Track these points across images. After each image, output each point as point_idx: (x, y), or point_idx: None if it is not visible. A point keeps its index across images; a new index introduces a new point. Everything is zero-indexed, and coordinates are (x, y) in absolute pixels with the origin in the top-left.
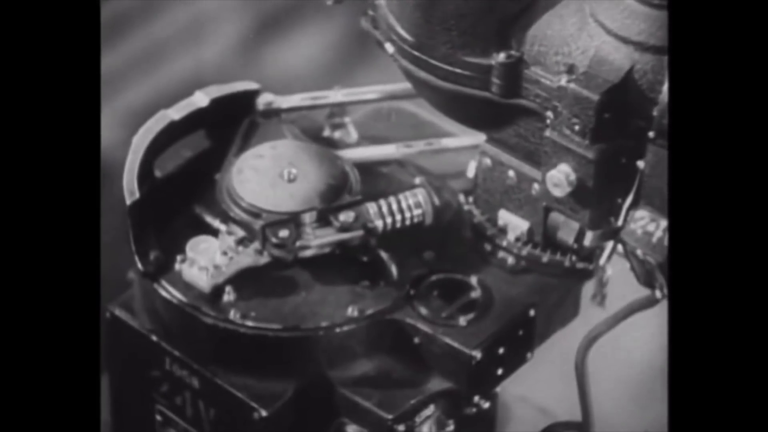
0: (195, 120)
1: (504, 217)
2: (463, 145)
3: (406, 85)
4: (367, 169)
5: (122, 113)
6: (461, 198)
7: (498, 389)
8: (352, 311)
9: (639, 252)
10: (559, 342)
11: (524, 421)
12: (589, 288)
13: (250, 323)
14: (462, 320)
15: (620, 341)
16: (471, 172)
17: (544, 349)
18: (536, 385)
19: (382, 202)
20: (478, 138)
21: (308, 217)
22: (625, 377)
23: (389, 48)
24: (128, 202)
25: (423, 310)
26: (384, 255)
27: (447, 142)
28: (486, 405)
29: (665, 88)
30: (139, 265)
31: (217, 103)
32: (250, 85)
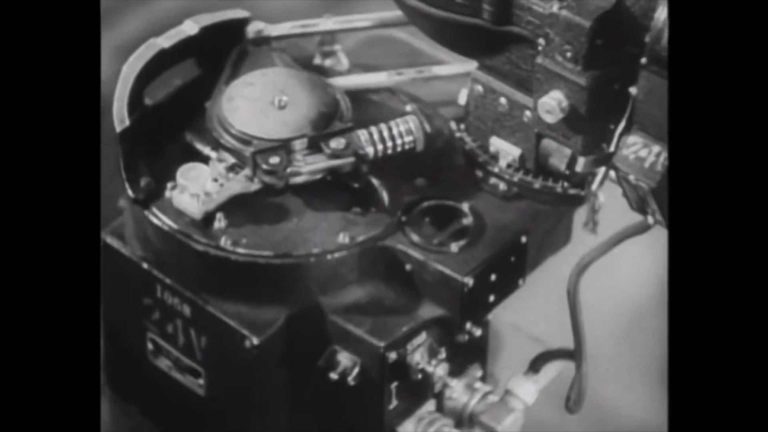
0: (185, 48)
1: (496, 143)
2: (455, 73)
3: (397, 13)
4: (358, 96)
5: (116, 46)
6: (453, 125)
7: (490, 317)
8: (343, 238)
9: (631, 177)
10: (551, 269)
11: (516, 348)
12: (581, 214)
13: (241, 250)
14: (454, 247)
15: (613, 274)
16: (462, 100)
17: (536, 276)
18: (528, 313)
19: (373, 129)
20: (470, 65)
21: (299, 144)
22: (618, 310)
23: None
24: (118, 129)
25: (414, 237)
26: (375, 182)
27: (438, 70)
28: (478, 332)
29: (658, 14)
30: (130, 192)
31: (206, 31)
32: (240, 13)
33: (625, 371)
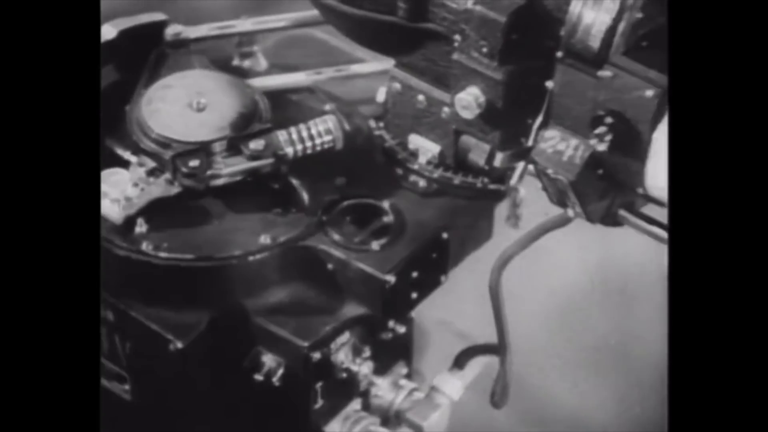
0: (104, 53)
1: (415, 140)
2: (373, 71)
3: (314, 13)
4: (277, 97)
5: None
6: (372, 123)
7: (413, 314)
8: (264, 239)
9: (550, 171)
10: (474, 264)
11: (442, 344)
12: (503, 209)
13: (162, 254)
14: (375, 245)
15: (545, 266)
16: (381, 97)
17: (459, 271)
18: (453, 309)
19: (293, 129)
20: (388, 63)
21: (219, 146)
22: (550, 302)
23: None
24: None
25: (336, 236)
26: (295, 182)
27: (357, 68)
28: (402, 330)
29: (572, 7)
30: None
31: (125, 35)
32: (158, 16)
33: (558, 361)
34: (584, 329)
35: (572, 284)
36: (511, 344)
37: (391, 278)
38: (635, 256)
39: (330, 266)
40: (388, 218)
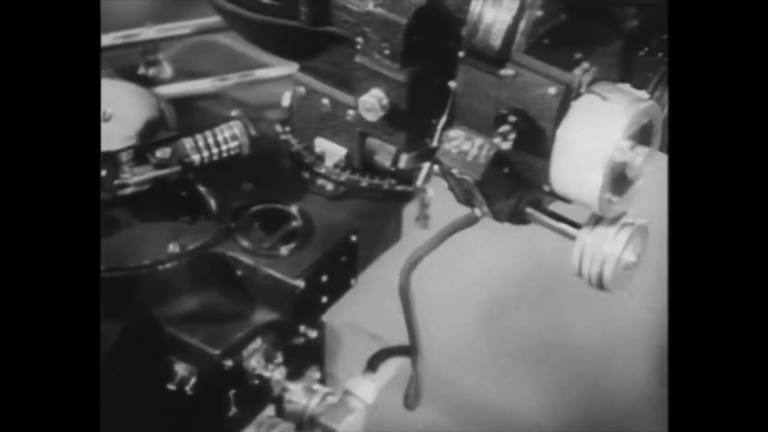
0: None
1: (321, 144)
2: (279, 75)
3: (218, 19)
4: (183, 104)
5: None
6: (278, 128)
7: (325, 318)
8: (173, 248)
9: (455, 171)
10: (385, 265)
11: (354, 347)
12: (412, 210)
13: None
14: (284, 250)
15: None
16: (286, 102)
17: (370, 273)
18: (365, 311)
19: (199, 136)
20: (293, 67)
21: (125, 156)
22: (477, 300)
23: None
24: None
25: (244, 243)
26: (202, 189)
27: (262, 73)
28: (313, 334)
29: (473, 7)
30: None
31: None
32: None
33: (485, 359)
34: (510, 326)
35: (497, 282)
36: (438, 345)
37: (300, 283)
38: (559, 251)
39: (239, 273)
40: (296, 223)
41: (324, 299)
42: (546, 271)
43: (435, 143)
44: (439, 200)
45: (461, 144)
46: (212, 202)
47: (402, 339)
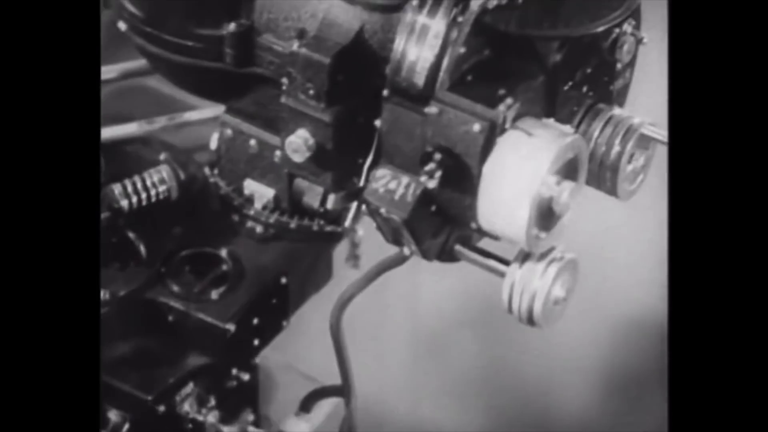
0: None
1: (250, 186)
2: (206, 117)
3: (143, 62)
4: (110, 149)
5: None
6: (207, 170)
7: (258, 359)
8: (104, 294)
9: (383, 210)
10: (316, 306)
11: (288, 388)
12: (343, 250)
13: None
14: (214, 294)
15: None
16: (214, 144)
17: (301, 314)
18: (297, 352)
19: (127, 181)
20: (221, 109)
21: None
22: (418, 329)
23: (122, 26)
24: None
25: (175, 287)
26: (132, 235)
27: (190, 116)
28: (246, 377)
29: (396, 45)
30: None
31: None
32: None
33: (423, 394)
34: (447, 359)
35: (431, 314)
36: (373, 381)
37: (231, 326)
38: (491, 279)
39: (171, 318)
40: (226, 266)
41: (256, 341)
42: (480, 300)
43: (362, 183)
44: (370, 239)
45: (388, 183)
46: (142, 248)
47: (335, 378)
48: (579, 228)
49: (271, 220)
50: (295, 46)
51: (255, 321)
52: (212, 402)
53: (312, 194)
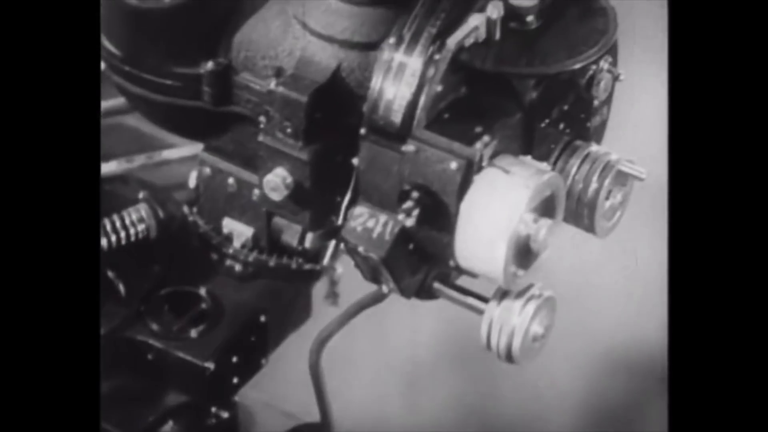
0: None
1: (228, 224)
2: (185, 156)
3: (121, 100)
4: None
5: None
6: (186, 209)
7: (237, 397)
8: None
9: (361, 249)
10: (296, 344)
11: (268, 426)
12: (322, 288)
13: None
14: (193, 332)
15: (389, 332)
16: (192, 182)
17: (281, 352)
18: (277, 390)
19: (106, 220)
20: (199, 147)
21: None
22: (395, 367)
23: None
24: None
25: (154, 326)
26: (111, 274)
27: (168, 154)
28: (225, 415)
29: (373, 83)
30: None
31: None
32: None
33: (413, 423)
34: (430, 395)
35: (413, 350)
36: (355, 418)
37: (210, 365)
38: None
39: (150, 356)
40: (205, 305)
41: (235, 379)
42: (462, 335)
43: (340, 221)
44: (349, 277)
45: (366, 221)
46: (121, 287)
47: (315, 416)
48: (558, 264)
49: (250, 258)
50: (272, 84)
51: (234, 359)
52: None
53: (290, 233)
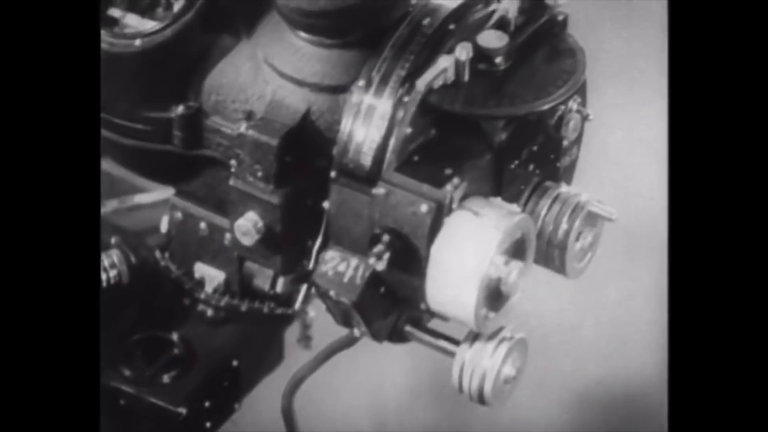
0: None
1: (200, 269)
2: (156, 200)
3: None
4: None
5: None
6: (158, 254)
7: None
8: None
9: (332, 293)
10: (268, 388)
11: None
12: (294, 331)
13: None
14: (166, 378)
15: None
16: (164, 227)
17: (254, 396)
18: None
19: None
20: (170, 192)
21: None
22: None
23: None
24: None
25: (127, 372)
26: None
27: (140, 199)
28: None
29: (342, 126)
30: None
31: None
32: None
33: None
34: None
35: (388, 390)
36: None
37: (182, 410)
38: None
39: (123, 402)
40: (177, 350)
41: (208, 424)
42: (436, 373)
43: (311, 265)
44: (322, 320)
45: (337, 265)
46: None
47: None
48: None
49: (222, 303)
50: (242, 128)
51: (207, 404)
52: None
53: (262, 277)
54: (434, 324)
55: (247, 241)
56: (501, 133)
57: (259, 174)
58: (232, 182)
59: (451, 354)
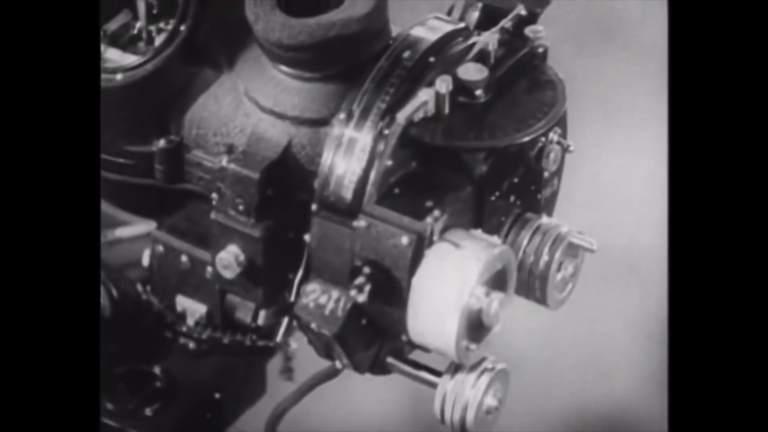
0: None
1: (182, 302)
2: (138, 234)
3: None
4: None
5: None
6: (139, 288)
7: None
8: None
9: (313, 326)
10: (250, 420)
11: None
12: (276, 363)
13: None
14: (148, 411)
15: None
16: (146, 261)
17: (236, 429)
18: None
19: None
20: (152, 225)
21: None
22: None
23: None
24: None
25: (109, 405)
26: None
27: (121, 232)
28: None
29: (324, 159)
30: None
31: None
32: None
33: None
34: None
35: (373, 425)
36: None
37: None
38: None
39: None
40: (159, 383)
41: None
42: (421, 404)
43: (293, 298)
44: (304, 352)
45: (318, 298)
46: None
47: None
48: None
49: (204, 335)
50: (224, 161)
51: None
52: None
53: (244, 310)
54: (416, 355)
55: (229, 274)
56: (482, 165)
57: (241, 207)
58: (213, 216)
59: (433, 385)
